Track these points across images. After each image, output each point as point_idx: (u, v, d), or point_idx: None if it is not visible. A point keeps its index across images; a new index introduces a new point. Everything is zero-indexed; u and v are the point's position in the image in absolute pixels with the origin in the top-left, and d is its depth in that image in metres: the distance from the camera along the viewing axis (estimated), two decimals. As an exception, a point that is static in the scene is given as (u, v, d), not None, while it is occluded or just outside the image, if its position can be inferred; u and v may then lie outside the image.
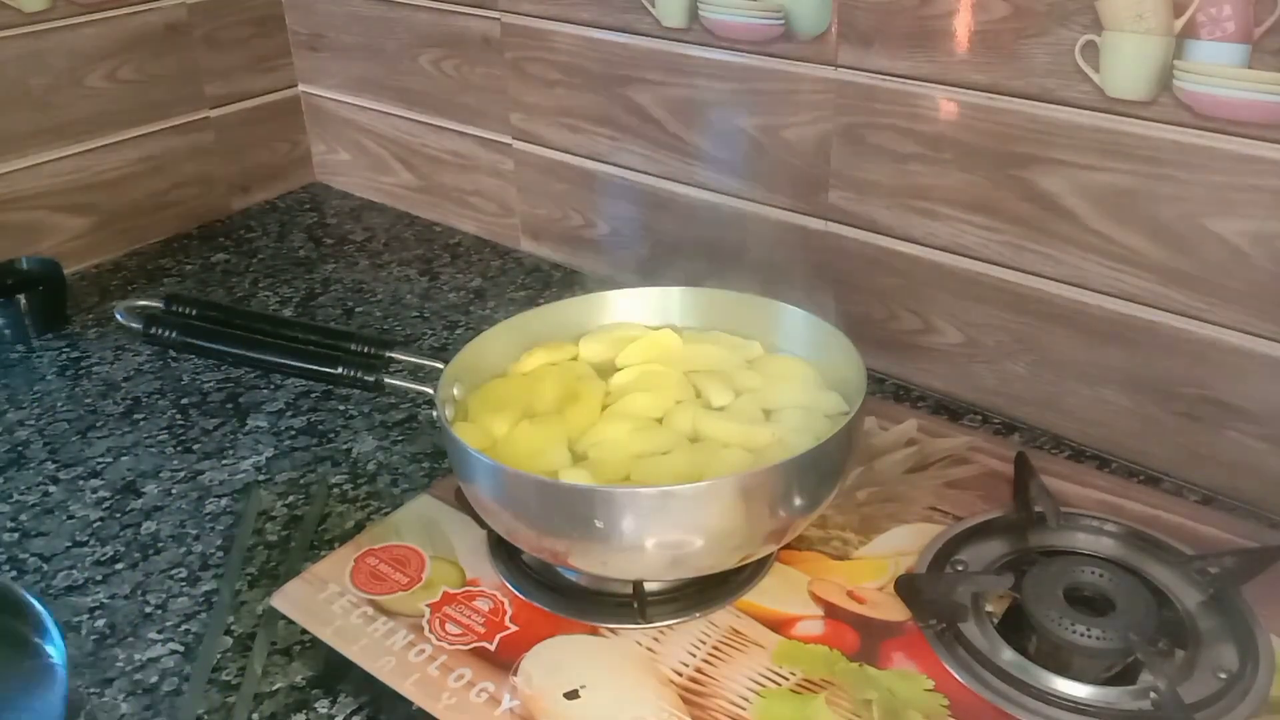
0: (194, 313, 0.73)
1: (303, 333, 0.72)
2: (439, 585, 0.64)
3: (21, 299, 0.96)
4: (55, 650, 0.58)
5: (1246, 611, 0.59)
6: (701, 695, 0.56)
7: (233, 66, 1.19)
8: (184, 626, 0.65)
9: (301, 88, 1.26)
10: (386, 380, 0.67)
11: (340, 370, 0.68)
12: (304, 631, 0.62)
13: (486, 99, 1.07)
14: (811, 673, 0.57)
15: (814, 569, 0.64)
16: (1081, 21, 0.68)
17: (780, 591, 0.63)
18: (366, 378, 0.67)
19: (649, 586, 0.61)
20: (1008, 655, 0.57)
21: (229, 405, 0.87)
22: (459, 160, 1.14)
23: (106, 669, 0.62)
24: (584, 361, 0.71)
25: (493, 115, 1.08)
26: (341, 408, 0.86)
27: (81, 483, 0.78)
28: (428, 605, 0.62)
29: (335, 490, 0.77)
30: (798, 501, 0.59)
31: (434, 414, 0.63)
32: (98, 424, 0.85)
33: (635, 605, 0.61)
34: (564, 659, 0.59)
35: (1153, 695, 0.54)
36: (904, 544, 0.66)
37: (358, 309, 1.02)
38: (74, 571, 0.70)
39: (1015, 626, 0.59)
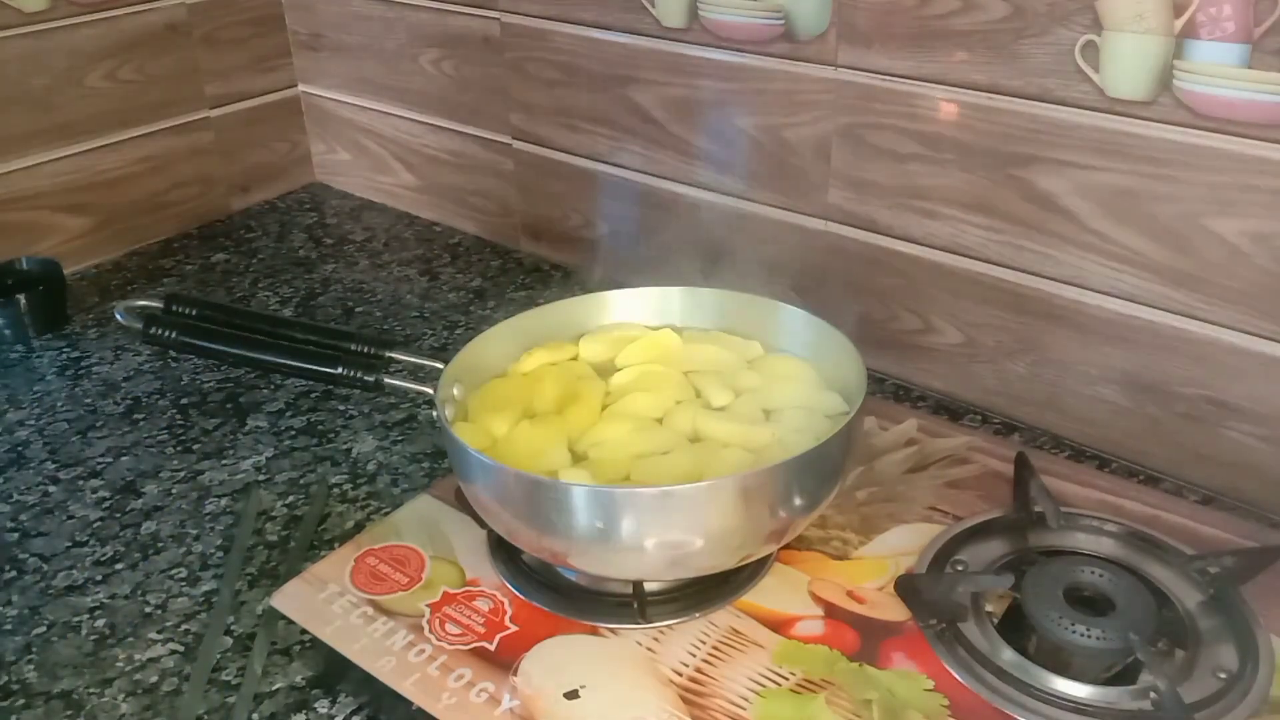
0: (194, 313, 0.73)
1: (302, 333, 0.72)
2: (439, 585, 0.64)
3: (21, 299, 0.96)
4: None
5: (1246, 611, 0.59)
6: (701, 695, 0.56)
7: (233, 66, 1.19)
8: (184, 626, 0.65)
9: (301, 88, 1.26)
10: (386, 380, 0.67)
11: (340, 370, 0.68)
12: (304, 631, 0.62)
13: (486, 99, 1.07)
14: (811, 673, 0.57)
15: (814, 569, 0.64)
16: (1081, 21, 0.68)
17: (780, 591, 0.63)
18: (366, 378, 0.67)
19: (649, 586, 0.61)
20: (1008, 655, 0.57)
21: (229, 405, 0.87)
22: (459, 160, 1.14)
23: (106, 669, 0.62)
24: (584, 361, 0.71)
25: (493, 115, 1.08)
26: (341, 408, 0.86)
27: (81, 483, 0.78)
28: (428, 605, 0.62)
29: (335, 490, 0.77)
30: (798, 501, 0.59)
31: (434, 414, 0.63)
32: (97, 424, 0.85)
33: (635, 605, 0.61)
34: (564, 659, 0.59)
35: (1153, 695, 0.54)
36: (904, 544, 0.66)
37: (358, 309, 1.02)
38: (74, 571, 0.70)
39: (1015, 626, 0.59)
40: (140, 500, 0.76)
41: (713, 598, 0.62)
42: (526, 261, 1.10)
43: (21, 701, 0.60)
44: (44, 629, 0.65)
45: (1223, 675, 0.56)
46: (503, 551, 0.66)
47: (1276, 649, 0.57)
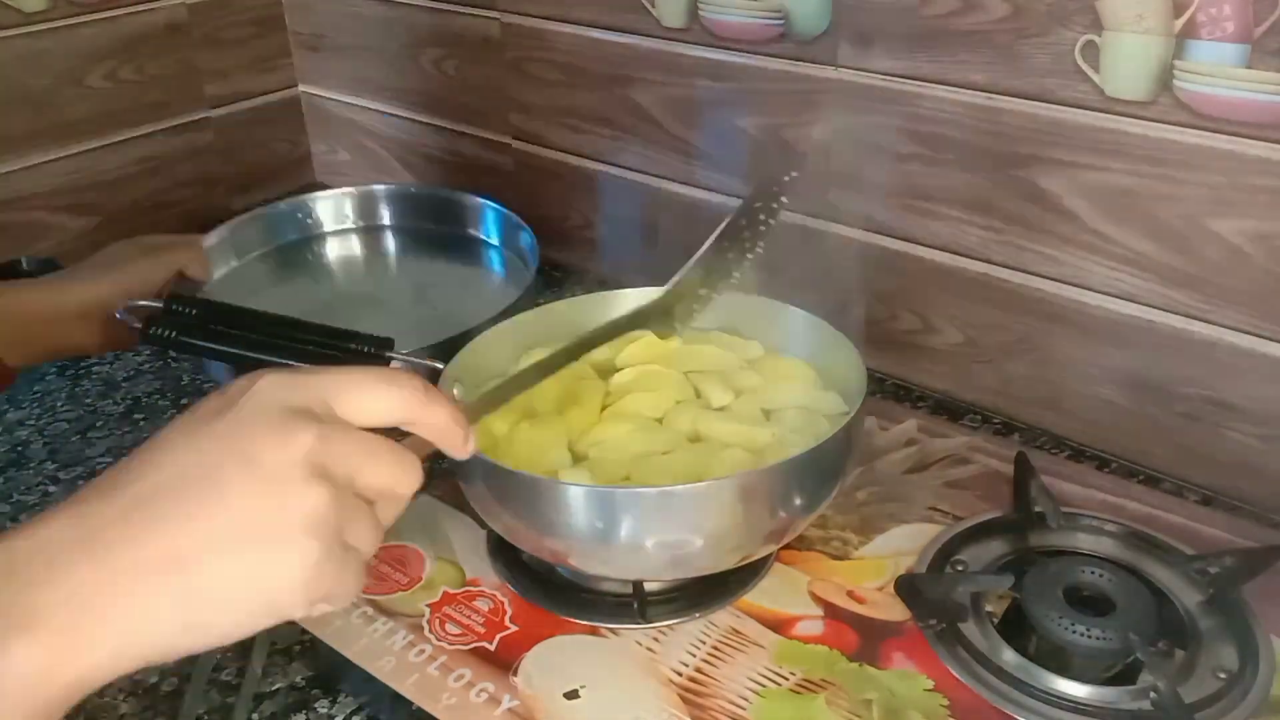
0: (194, 312, 0.73)
1: (303, 333, 0.72)
2: (439, 585, 0.64)
3: (22, 299, 0.96)
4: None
5: (1246, 611, 0.59)
6: (701, 695, 0.56)
7: (233, 66, 1.19)
8: (184, 626, 0.65)
9: (302, 88, 1.26)
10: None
11: (340, 370, 0.67)
12: (304, 631, 0.62)
13: (486, 99, 1.07)
14: (811, 673, 0.57)
15: (814, 569, 0.64)
16: (1081, 21, 0.68)
17: (780, 591, 0.63)
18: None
19: (649, 586, 0.61)
20: (1008, 655, 0.57)
21: (229, 405, 0.87)
22: (459, 160, 1.14)
23: (106, 669, 0.62)
24: (584, 361, 0.71)
25: (493, 115, 1.08)
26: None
27: (81, 483, 0.78)
28: (428, 605, 0.62)
29: (335, 490, 0.76)
30: (798, 501, 0.59)
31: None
32: (98, 424, 0.85)
33: (635, 605, 0.61)
34: (564, 659, 0.59)
35: (1152, 695, 0.54)
36: (904, 544, 0.66)
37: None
38: (74, 571, 0.70)
39: (1015, 626, 0.59)
40: (140, 500, 0.76)
41: (713, 598, 0.62)
42: (527, 261, 1.10)
43: (21, 701, 0.60)
44: (44, 629, 0.65)
45: (1223, 675, 0.56)
46: (503, 551, 0.66)
47: (1277, 649, 0.57)
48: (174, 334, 0.70)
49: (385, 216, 1.00)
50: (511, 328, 0.71)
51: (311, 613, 0.38)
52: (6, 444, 0.83)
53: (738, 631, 0.60)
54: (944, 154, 0.77)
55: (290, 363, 0.70)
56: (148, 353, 0.94)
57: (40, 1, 1.02)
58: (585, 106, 0.99)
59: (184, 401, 0.88)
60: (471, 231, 0.98)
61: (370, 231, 1.00)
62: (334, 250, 0.98)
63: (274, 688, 0.60)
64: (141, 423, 0.85)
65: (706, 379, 0.68)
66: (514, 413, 0.66)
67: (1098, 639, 0.56)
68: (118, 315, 0.71)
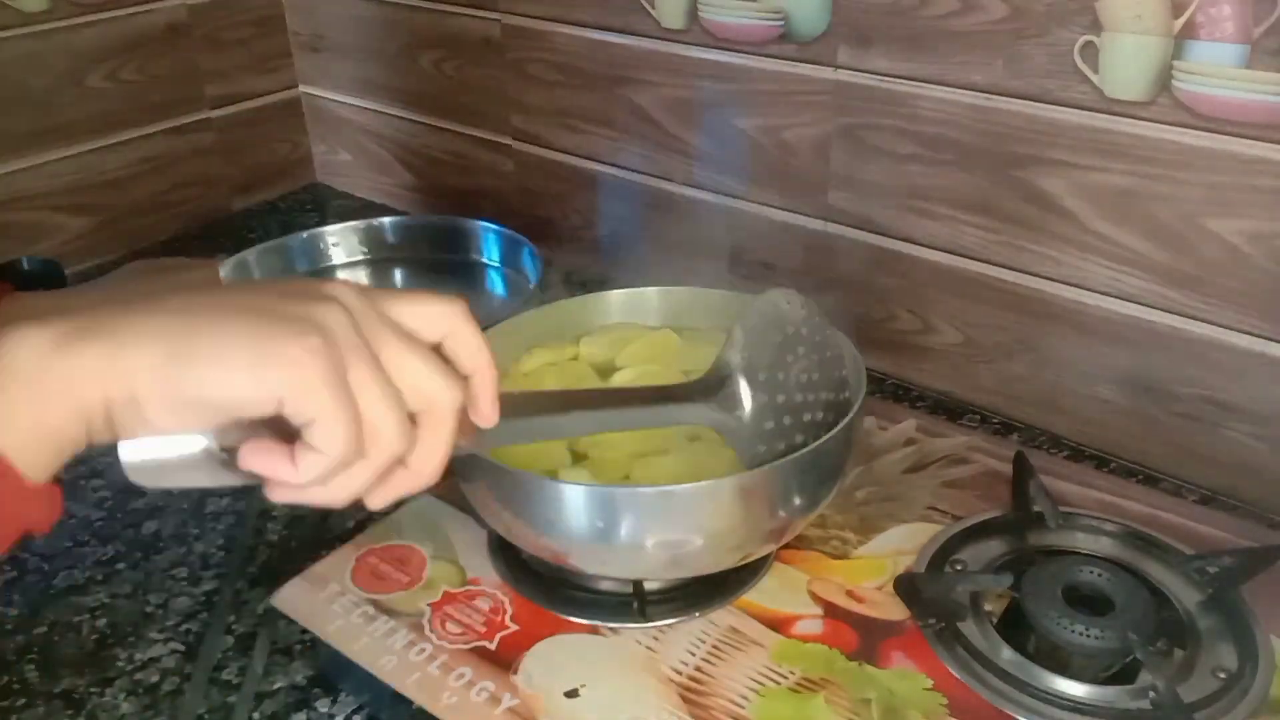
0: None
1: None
2: (439, 584, 0.64)
3: (22, 299, 0.96)
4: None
5: (1245, 611, 0.59)
6: (701, 694, 0.56)
7: (233, 67, 1.19)
8: (185, 626, 0.65)
9: (302, 88, 1.27)
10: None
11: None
12: (304, 631, 0.62)
13: (487, 100, 1.07)
14: (811, 672, 0.57)
15: (813, 568, 0.64)
16: (1080, 22, 0.68)
17: (780, 591, 0.63)
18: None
19: (649, 586, 0.62)
20: (1007, 654, 0.58)
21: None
22: (459, 161, 1.14)
23: (107, 668, 0.62)
24: (584, 361, 0.71)
25: (493, 116, 1.08)
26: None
27: (83, 482, 0.78)
28: (428, 604, 0.63)
29: (336, 490, 0.76)
30: (797, 501, 0.59)
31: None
32: (99, 424, 0.85)
33: (635, 604, 0.61)
34: (564, 658, 0.59)
35: (1151, 694, 0.54)
36: (903, 543, 0.66)
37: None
38: (75, 571, 0.70)
39: (1014, 626, 0.59)
40: (141, 500, 0.76)
41: (712, 597, 0.62)
42: (527, 262, 1.10)
43: (22, 701, 0.60)
44: (45, 629, 0.65)
45: (1222, 675, 0.56)
46: (503, 551, 0.66)
47: (1276, 649, 0.57)
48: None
49: (391, 247, 1.04)
50: (511, 328, 0.71)
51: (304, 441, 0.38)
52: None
53: (737, 630, 0.60)
54: (943, 154, 0.77)
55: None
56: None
57: (41, 2, 1.02)
58: (585, 107, 0.99)
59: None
60: (475, 256, 1.02)
61: (378, 264, 1.04)
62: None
63: (275, 687, 0.60)
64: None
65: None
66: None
67: (1096, 638, 0.56)
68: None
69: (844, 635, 0.60)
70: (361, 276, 1.02)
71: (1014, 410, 0.81)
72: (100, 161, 1.11)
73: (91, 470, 0.80)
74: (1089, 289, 0.74)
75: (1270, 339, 0.68)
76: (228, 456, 0.40)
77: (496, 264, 1.01)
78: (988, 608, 0.61)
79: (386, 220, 1.04)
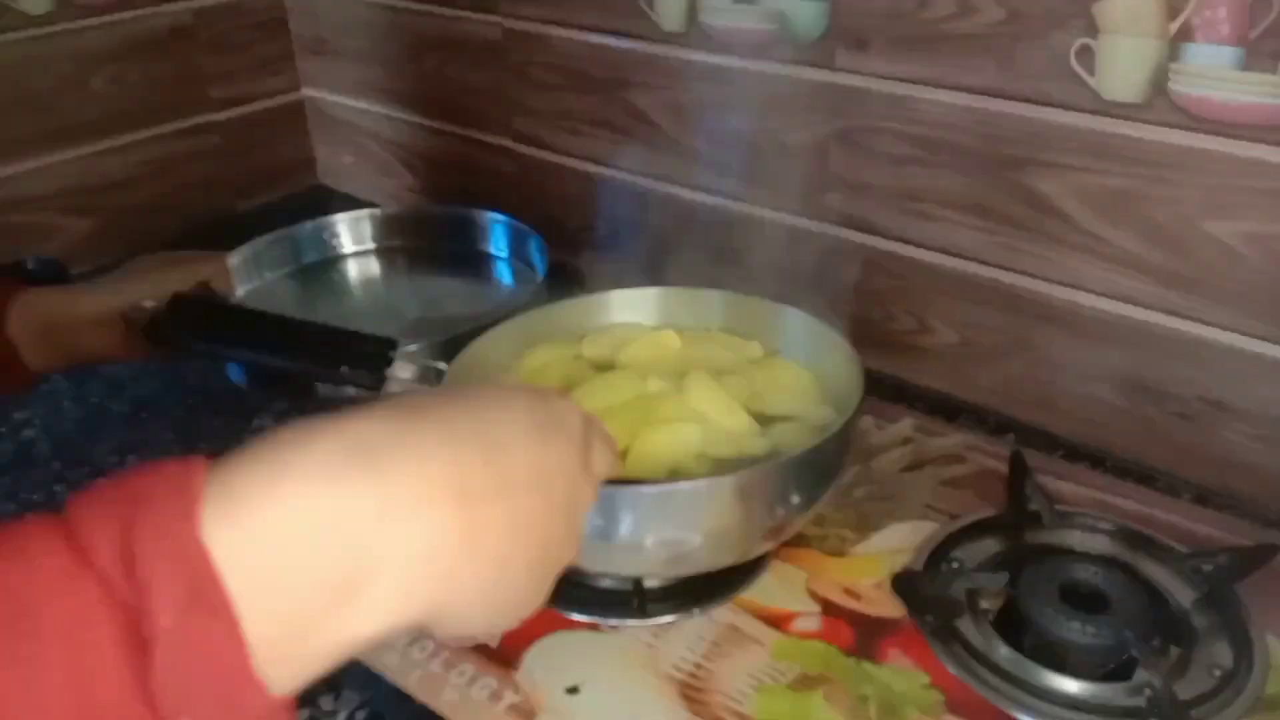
0: (198, 314, 0.73)
1: (306, 332, 0.73)
2: (441, 582, 0.64)
3: (27, 300, 0.97)
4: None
5: (1241, 609, 0.60)
6: (700, 691, 0.57)
7: (237, 70, 1.20)
8: (188, 623, 0.65)
9: (305, 91, 1.27)
10: (390, 379, 0.68)
11: (344, 370, 0.68)
12: (307, 628, 0.63)
13: (488, 102, 1.08)
14: (809, 668, 0.58)
15: (811, 566, 0.65)
16: (1077, 25, 0.68)
17: (778, 588, 0.63)
18: (370, 377, 0.68)
19: (648, 583, 0.62)
20: (1003, 652, 0.58)
21: (234, 404, 0.87)
22: (461, 163, 1.14)
23: (112, 665, 0.62)
24: (585, 361, 0.72)
25: (494, 118, 1.08)
26: (345, 407, 0.86)
27: (87, 482, 0.78)
28: (430, 602, 0.63)
29: (338, 489, 0.77)
30: (795, 500, 0.59)
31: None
32: (104, 423, 0.86)
33: (635, 602, 0.61)
34: (565, 655, 0.59)
35: (1147, 692, 0.55)
36: (900, 541, 0.67)
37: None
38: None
39: (1011, 623, 0.60)
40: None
41: (712, 594, 0.62)
42: (528, 263, 1.11)
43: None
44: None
45: (1217, 672, 0.57)
46: (504, 549, 0.66)
47: (1271, 647, 0.58)
48: (178, 334, 0.70)
49: (399, 237, 1.04)
50: (512, 328, 0.71)
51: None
52: (13, 443, 0.84)
53: (736, 628, 0.61)
54: (940, 156, 0.78)
55: (294, 362, 0.70)
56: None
57: (45, 5, 1.03)
58: (586, 110, 0.99)
59: (189, 401, 0.88)
60: (482, 247, 1.02)
61: (386, 253, 1.03)
62: (352, 270, 1.02)
63: (278, 683, 0.60)
64: (147, 422, 0.86)
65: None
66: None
67: (1093, 636, 0.56)
68: (127, 316, 0.71)
69: (842, 632, 0.60)
70: (370, 266, 1.02)
71: (1010, 410, 0.82)
72: (103, 164, 1.11)
73: (96, 470, 0.80)
74: (1085, 290, 0.75)
75: (1266, 339, 0.68)
76: None
77: (504, 255, 1.01)
78: (984, 605, 0.61)
79: (394, 210, 1.05)
